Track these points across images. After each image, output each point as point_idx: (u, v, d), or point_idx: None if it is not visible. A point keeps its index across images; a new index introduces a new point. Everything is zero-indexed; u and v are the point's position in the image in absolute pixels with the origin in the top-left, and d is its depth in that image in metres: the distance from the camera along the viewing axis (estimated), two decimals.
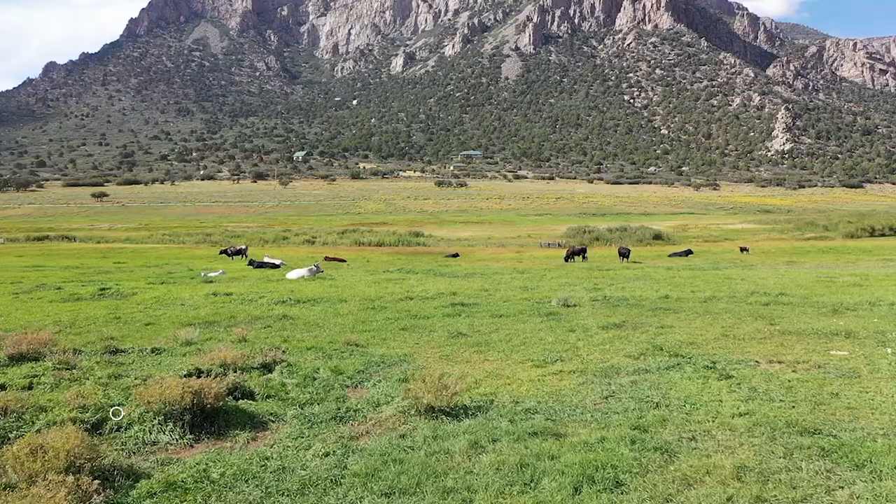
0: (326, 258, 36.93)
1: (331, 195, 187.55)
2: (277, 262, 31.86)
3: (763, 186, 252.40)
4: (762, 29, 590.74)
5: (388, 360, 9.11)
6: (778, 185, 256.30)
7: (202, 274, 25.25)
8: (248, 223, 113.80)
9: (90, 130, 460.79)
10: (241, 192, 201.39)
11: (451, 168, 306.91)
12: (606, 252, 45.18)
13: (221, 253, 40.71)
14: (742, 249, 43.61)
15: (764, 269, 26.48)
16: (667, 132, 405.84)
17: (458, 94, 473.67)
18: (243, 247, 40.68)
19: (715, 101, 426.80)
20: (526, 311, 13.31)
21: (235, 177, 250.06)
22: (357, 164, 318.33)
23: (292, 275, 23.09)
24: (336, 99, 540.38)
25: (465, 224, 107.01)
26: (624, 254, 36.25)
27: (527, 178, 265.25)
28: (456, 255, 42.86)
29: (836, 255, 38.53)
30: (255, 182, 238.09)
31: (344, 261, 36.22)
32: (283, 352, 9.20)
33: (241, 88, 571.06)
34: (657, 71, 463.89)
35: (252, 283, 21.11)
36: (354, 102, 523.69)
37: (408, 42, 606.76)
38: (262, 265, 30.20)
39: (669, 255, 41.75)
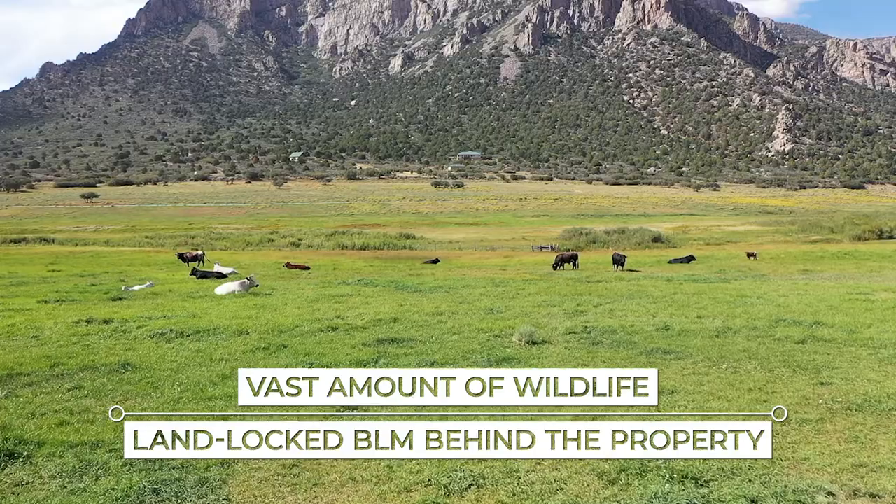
0: (288, 265, 33.31)
1: (325, 196, 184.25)
2: (227, 270, 28.22)
3: (764, 187, 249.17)
4: (762, 29, 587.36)
5: (175, 483, 5.25)
6: (779, 185, 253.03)
7: (122, 287, 21.59)
8: (237, 224, 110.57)
9: (86, 131, 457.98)
10: (235, 192, 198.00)
11: (449, 168, 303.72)
12: (601, 257, 41.50)
13: (178, 257, 37.31)
14: (749, 255, 39.91)
15: (780, 281, 22.78)
16: (666, 132, 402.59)
17: (456, 95, 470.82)
18: (200, 252, 37.11)
19: (715, 102, 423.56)
20: (473, 354, 9.63)
21: (230, 177, 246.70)
22: (354, 164, 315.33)
23: (221, 290, 19.45)
24: (334, 99, 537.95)
25: (460, 226, 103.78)
26: (618, 261, 32.44)
27: (525, 178, 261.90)
28: (436, 262, 39.17)
29: (854, 261, 34.80)
30: (250, 183, 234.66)
31: (307, 268, 32.58)
32: None
33: (238, 89, 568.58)
34: (657, 71, 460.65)
35: (164, 301, 17.45)
36: (353, 103, 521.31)
37: (406, 42, 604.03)
38: (206, 275, 26.54)
39: (670, 262, 38.04)
